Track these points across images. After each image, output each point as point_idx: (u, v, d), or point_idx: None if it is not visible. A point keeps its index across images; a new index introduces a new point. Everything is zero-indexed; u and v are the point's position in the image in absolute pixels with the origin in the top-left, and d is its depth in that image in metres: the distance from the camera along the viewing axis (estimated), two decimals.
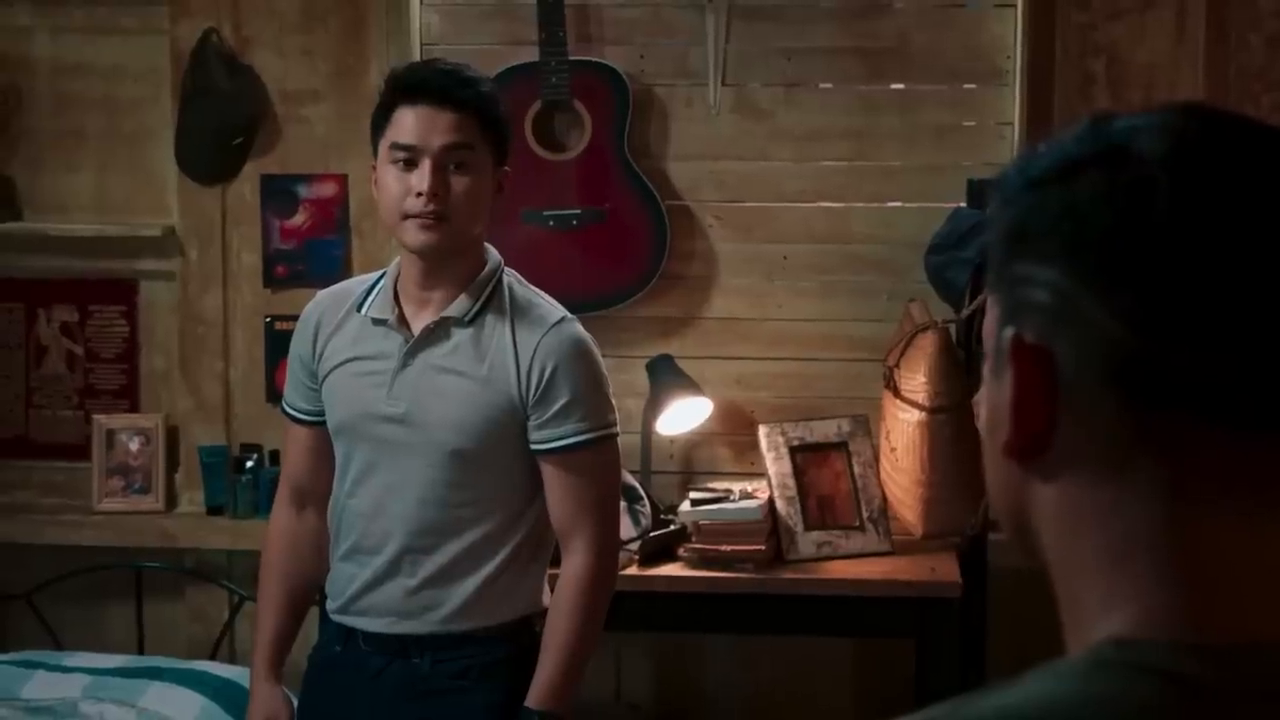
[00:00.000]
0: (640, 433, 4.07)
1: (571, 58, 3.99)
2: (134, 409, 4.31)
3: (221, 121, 4.12)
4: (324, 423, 2.95)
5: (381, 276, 2.93)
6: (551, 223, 4.04)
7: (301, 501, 3.03)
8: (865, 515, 3.88)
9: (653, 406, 4.02)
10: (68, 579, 4.20)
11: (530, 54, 4.01)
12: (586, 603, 2.85)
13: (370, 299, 2.90)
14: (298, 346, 2.98)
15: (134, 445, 4.25)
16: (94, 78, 4.25)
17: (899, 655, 3.93)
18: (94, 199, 4.28)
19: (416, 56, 4.09)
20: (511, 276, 2.89)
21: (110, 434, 4.25)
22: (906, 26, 4.09)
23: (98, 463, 4.25)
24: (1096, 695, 0.87)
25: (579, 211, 4.05)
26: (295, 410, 3.01)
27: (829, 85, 4.12)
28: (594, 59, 4.07)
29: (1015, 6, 4.01)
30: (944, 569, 3.73)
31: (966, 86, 4.09)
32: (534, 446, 2.82)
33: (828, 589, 3.75)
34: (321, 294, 3.02)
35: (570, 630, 2.84)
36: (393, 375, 2.83)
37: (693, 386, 4.02)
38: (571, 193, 4.05)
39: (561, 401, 2.81)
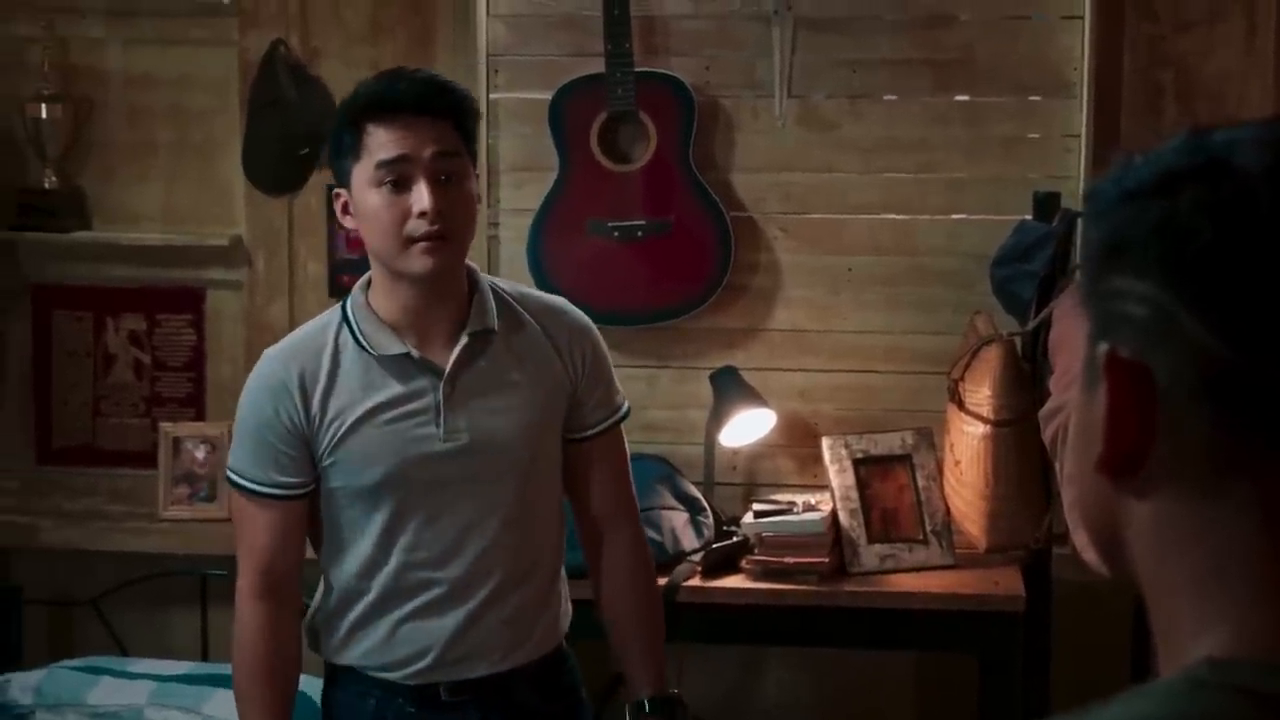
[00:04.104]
0: (703, 444, 4.07)
1: (637, 69, 4.00)
2: (200, 417, 4.34)
3: (288, 132, 4.15)
4: (303, 495, 2.68)
5: (342, 316, 2.69)
6: (616, 234, 4.04)
7: (278, 591, 2.70)
8: (929, 528, 3.86)
9: (716, 418, 4.02)
10: (133, 585, 4.24)
11: (596, 65, 4.01)
12: (652, 575, 2.91)
13: (361, 338, 2.65)
14: (274, 414, 2.64)
15: (200, 453, 4.28)
16: (164, 89, 4.29)
17: (962, 669, 3.91)
18: (162, 209, 4.32)
19: (482, 68, 4.10)
20: (488, 277, 2.79)
21: (176, 442, 4.29)
22: (972, 38, 4.07)
23: (164, 470, 4.28)
24: (1192, 716, 0.86)
25: (644, 223, 4.05)
26: (267, 487, 2.67)
27: (894, 97, 4.11)
28: (660, 70, 4.07)
29: (1083, 18, 3.99)
30: (1008, 583, 3.71)
31: (1033, 98, 4.07)
32: (585, 433, 2.79)
33: (890, 602, 3.74)
34: (279, 352, 2.70)
35: (655, 607, 2.88)
36: (437, 410, 2.64)
37: (756, 398, 4.01)
38: (636, 204, 4.05)
39: (604, 381, 2.81)
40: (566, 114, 4.06)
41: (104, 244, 4.29)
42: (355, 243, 4.20)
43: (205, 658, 4.22)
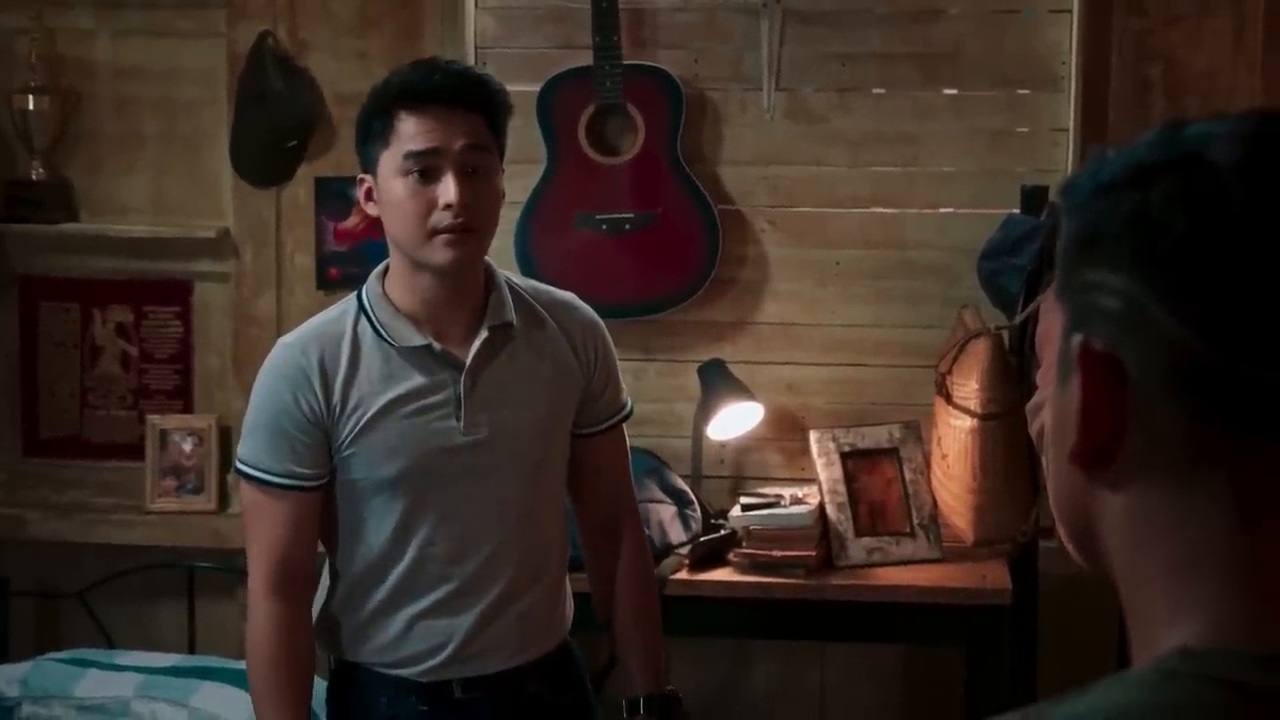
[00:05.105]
0: (691, 437, 4.07)
1: (625, 62, 4.00)
2: (187, 410, 4.33)
3: (276, 124, 4.14)
4: (318, 487, 2.63)
5: (359, 305, 2.68)
6: (604, 226, 4.04)
7: (292, 586, 2.64)
8: (916, 522, 3.87)
9: (704, 411, 4.02)
10: (120, 578, 4.23)
11: (584, 58, 4.01)
12: (652, 573, 2.93)
13: (380, 329, 2.63)
14: (293, 402, 2.60)
15: (187, 446, 4.28)
16: (152, 81, 4.28)
17: (949, 662, 3.92)
18: (150, 201, 4.31)
19: (470, 60, 4.10)
20: (503, 272, 2.78)
21: (164, 434, 4.28)
22: (961, 32, 4.07)
23: (151, 463, 4.28)
24: (1165, 705, 0.87)
25: (632, 215, 4.05)
26: (282, 478, 2.61)
27: (883, 91, 4.11)
28: (648, 63, 4.07)
29: (1071, 12, 3.99)
30: (995, 576, 3.72)
31: (1021, 92, 4.07)
32: (593, 429, 2.80)
33: (878, 595, 3.74)
34: (297, 340, 2.67)
35: (654, 605, 2.88)
36: (458, 403, 2.63)
37: (744, 391, 4.01)
38: (624, 196, 4.05)
39: (614, 376, 2.83)
40: (555, 106, 4.06)
41: (91, 236, 4.29)
42: (343, 235, 4.21)
43: (192, 650, 4.21)
